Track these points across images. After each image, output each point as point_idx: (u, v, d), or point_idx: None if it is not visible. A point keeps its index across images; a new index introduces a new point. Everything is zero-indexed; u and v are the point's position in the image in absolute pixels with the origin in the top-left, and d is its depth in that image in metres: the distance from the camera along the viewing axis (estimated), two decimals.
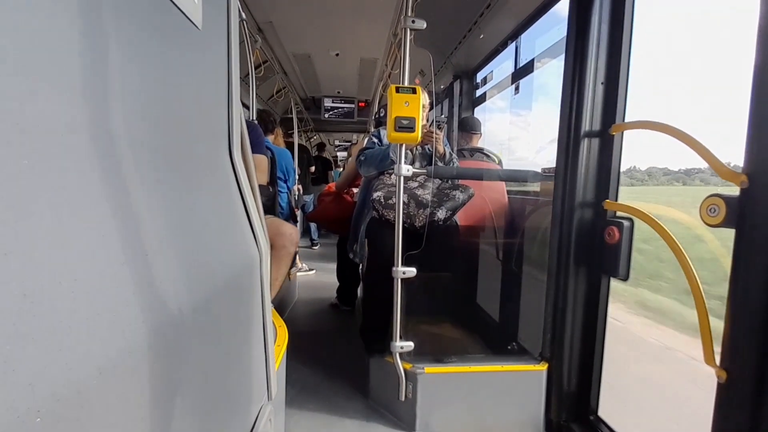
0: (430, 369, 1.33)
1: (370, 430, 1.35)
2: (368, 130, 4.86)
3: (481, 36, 2.18)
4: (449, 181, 1.70)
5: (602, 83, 1.23)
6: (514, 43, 2.17)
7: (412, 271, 1.23)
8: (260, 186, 0.85)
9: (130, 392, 0.35)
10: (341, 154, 8.64)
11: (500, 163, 2.19)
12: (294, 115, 3.91)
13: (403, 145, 1.19)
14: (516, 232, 1.81)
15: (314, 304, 2.68)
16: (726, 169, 0.85)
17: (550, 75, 1.80)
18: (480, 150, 2.16)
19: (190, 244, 0.49)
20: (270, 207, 1.89)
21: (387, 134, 1.16)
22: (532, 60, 2.02)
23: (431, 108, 1.86)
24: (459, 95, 2.75)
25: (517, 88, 2.20)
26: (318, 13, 2.44)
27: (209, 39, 0.61)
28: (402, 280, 1.24)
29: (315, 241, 4.78)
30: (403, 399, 1.29)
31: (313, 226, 4.71)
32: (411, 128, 1.11)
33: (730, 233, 0.83)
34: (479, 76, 2.70)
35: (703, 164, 0.90)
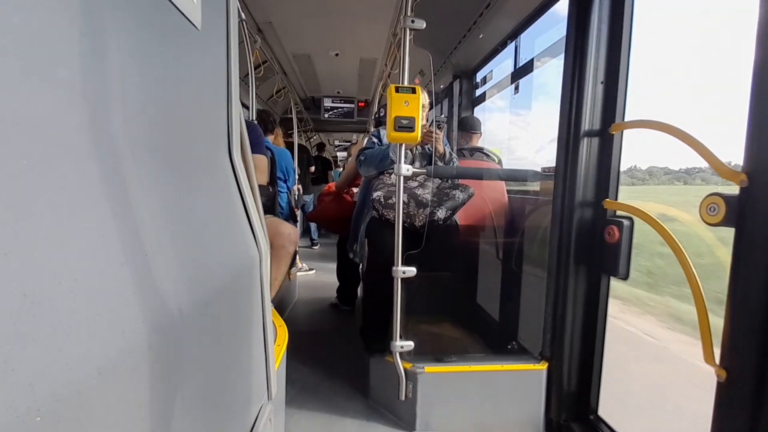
0: (430, 368, 1.33)
1: (370, 430, 1.35)
2: (368, 129, 4.86)
3: (481, 36, 2.18)
4: (449, 181, 1.70)
5: (602, 82, 1.23)
6: (513, 42, 2.17)
7: (412, 271, 1.23)
8: (260, 186, 0.85)
9: (130, 392, 0.35)
10: (341, 154, 8.64)
11: (500, 162, 2.19)
12: (294, 115, 3.91)
13: (403, 145, 1.19)
14: (516, 231, 1.81)
15: (314, 304, 2.68)
16: (725, 168, 0.85)
17: (550, 74, 1.80)
18: (480, 149, 2.17)
19: (190, 244, 0.49)
20: (270, 207, 1.89)
21: (387, 134, 1.16)
22: (532, 59, 2.02)
23: (431, 108, 1.86)
24: (459, 95, 2.75)
25: (516, 88, 2.20)
26: (317, 13, 2.44)
27: (208, 39, 0.61)
28: (402, 279, 1.24)
29: (315, 241, 4.78)
30: (403, 398, 1.30)
31: (313, 226, 4.71)
32: (411, 128, 1.11)
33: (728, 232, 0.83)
34: (479, 76, 2.70)
35: (703, 163, 0.90)
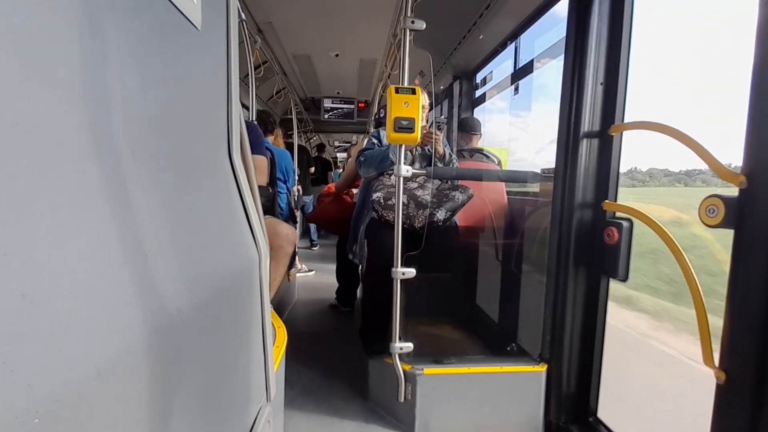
0: (430, 370, 1.33)
1: None
2: (368, 130, 4.86)
3: (481, 36, 2.18)
4: (449, 182, 1.70)
5: (601, 83, 1.23)
6: (513, 43, 2.17)
7: (411, 272, 1.23)
8: (260, 187, 0.85)
9: (129, 393, 0.35)
10: (341, 155, 8.65)
11: (500, 163, 2.19)
12: (294, 116, 3.91)
13: (403, 146, 1.19)
14: (515, 232, 1.81)
15: (313, 305, 2.68)
16: (725, 169, 0.85)
17: (550, 75, 1.80)
18: (480, 151, 2.17)
19: (190, 245, 0.49)
20: (269, 208, 1.89)
21: (386, 135, 1.16)
22: (532, 60, 2.02)
23: (431, 109, 1.86)
24: (458, 96, 2.75)
25: (516, 89, 2.20)
26: (318, 13, 2.44)
27: (208, 40, 0.61)
28: (401, 281, 1.24)
29: (314, 242, 4.78)
30: (402, 400, 1.29)
31: (312, 226, 4.71)
32: (410, 129, 1.11)
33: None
34: (479, 77, 2.70)
35: (703, 165, 0.90)
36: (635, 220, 1.15)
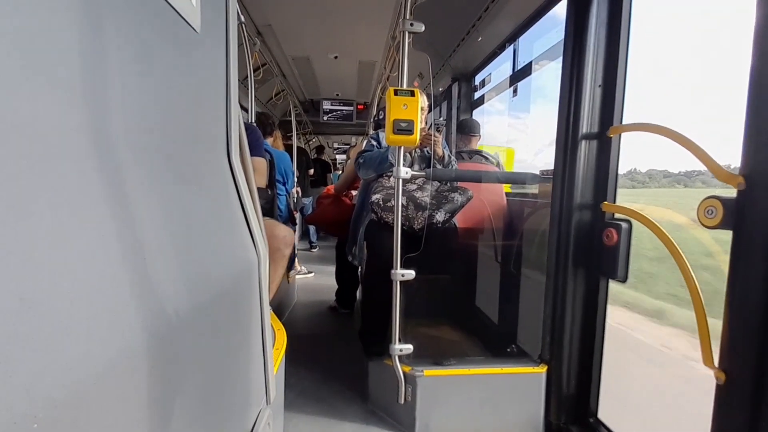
0: (429, 372, 1.32)
1: None
2: (367, 132, 4.87)
3: (479, 39, 2.19)
4: (448, 184, 1.70)
5: (600, 85, 1.24)
6: (512, 45, 2.18)
7: (410, 274, 1.23)
8: (259, 189, 0.85)
9: (128, 395, 0.34)
10: (340, 157, 8.64)
11: (499, 165, 2.20)
12: (293, 118, 3.92)
13: (402, 148, 1.19)
14: (515, 234, 1.81)
15: (313, 307, 2.67)
16: (723, 171, 0.85)
17: (548, 77, 1.81)
18: (479, 152, 2.17)
19: (189, 247, 0.49)
20: (269, 210, 1.89)
21: (385, 137, 1.17)
22: (530, 62, 2.03)
23: (430, 110, 1.86)
24: (457, 97, 2.75)
25: (515, 91, 2.21)
26: (317, 15, 2.45)
27: (207, 42, 0.61)
28: (401, 282, 1.23)
29: (314, 244, 4.78)
30: (402, 402, 1.29)
31: (312, 228, 4.71)
32: (409, 131, 1.11)
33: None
34: (477, 79, 2.71)
35: (702, 166, 0.91)
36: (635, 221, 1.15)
